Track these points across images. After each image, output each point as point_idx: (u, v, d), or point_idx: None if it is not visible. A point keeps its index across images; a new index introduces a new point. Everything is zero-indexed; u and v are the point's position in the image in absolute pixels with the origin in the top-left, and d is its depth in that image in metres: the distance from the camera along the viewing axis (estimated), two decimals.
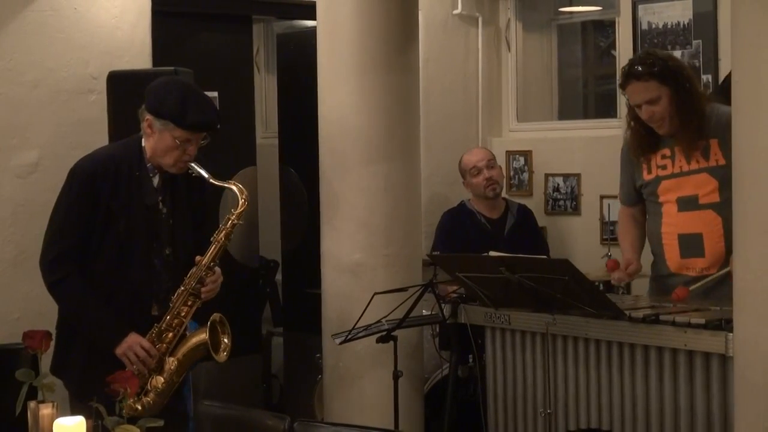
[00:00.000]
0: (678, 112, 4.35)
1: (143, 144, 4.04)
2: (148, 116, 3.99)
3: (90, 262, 4.00)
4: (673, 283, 4.42)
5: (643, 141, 4.50)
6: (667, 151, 4.47)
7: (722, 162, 4.29)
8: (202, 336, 4.00)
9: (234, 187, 4.04)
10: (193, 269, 4.01)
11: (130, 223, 3.99)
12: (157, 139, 3.98)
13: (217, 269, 4.06)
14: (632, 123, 4.52)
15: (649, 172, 4.53)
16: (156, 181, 4.07)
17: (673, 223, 4.49)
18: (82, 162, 4.07)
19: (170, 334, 4.03)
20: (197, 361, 4.12)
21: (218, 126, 4.04)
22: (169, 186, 4.09)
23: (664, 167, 4.49)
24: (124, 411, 3.72)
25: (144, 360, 3.97)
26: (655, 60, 4.38)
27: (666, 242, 4.51)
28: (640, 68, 4.36)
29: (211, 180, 4.01)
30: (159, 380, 4.02)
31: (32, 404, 3.32)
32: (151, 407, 3.99)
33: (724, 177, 4.13)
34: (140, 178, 4.03)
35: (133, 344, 3.96)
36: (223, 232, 4.02)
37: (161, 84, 4.06)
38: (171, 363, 4.02)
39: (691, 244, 4.42)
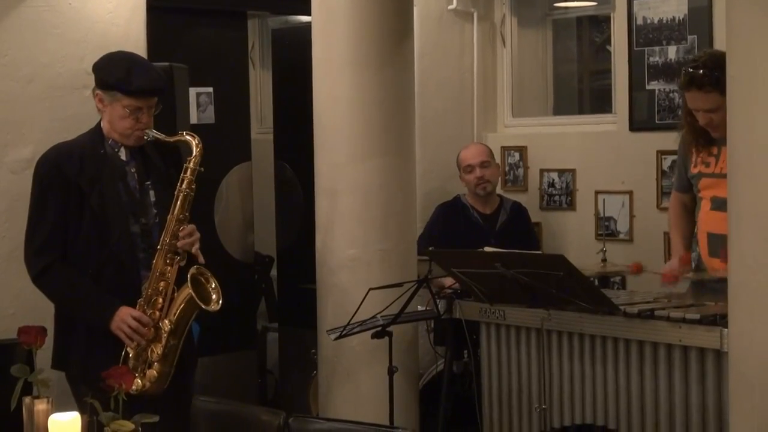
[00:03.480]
0: None
1: (102, 125, 4.09)
2: (98, 92, 4.07)
3: (72, 246, 4.00)
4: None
5: (697, 136, 4.48)
6: (714, 149, 4.46)
7: None
8: (186, 291, 3.96)
9: (186, 137, 4.05)
10: (166, 226, 4.00)
11: (103, 197, 4.00)
12: (109, 113, 4.04)
13: (191, 225, 4.03)
14: (688, 118, 4.48)
15: (695, 166, 4.54)
16: (123, 154, 4.09)
17: (704, 221, 4.50)
18: (46, 153, 4.12)
19: (159, 299, 3.99)
20: (192, 318, 4.05)
21: (165, 91, 4.12)
22: (139, 158, 4.10)
23: (707, 164, 4.49)
24: (135, 388, 3.70)
25: (137, 330, 3.93)
26: (721, 70, 4.12)
27: (699, 237, 4.54)
28: (703, 77, 4.24)
29: (165, 139, 4.05)
30: (158, 347, 3.98)
31: (27, 400, 3.31)
32: (158, 378, 3.97)
33: None
34: (106, 154, 4.06)
35: (124, 316, 3.93)
36: (185, 181, 4.01)
37: (106, 58, 4.14)
38: (165, 325, 3.97)
39: (717, 245, 4.39)
